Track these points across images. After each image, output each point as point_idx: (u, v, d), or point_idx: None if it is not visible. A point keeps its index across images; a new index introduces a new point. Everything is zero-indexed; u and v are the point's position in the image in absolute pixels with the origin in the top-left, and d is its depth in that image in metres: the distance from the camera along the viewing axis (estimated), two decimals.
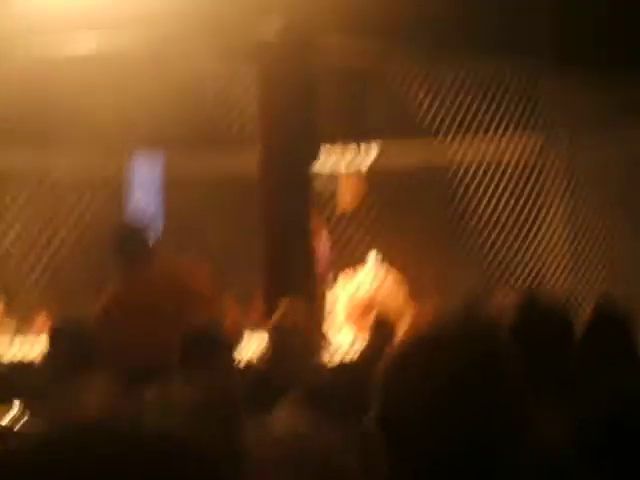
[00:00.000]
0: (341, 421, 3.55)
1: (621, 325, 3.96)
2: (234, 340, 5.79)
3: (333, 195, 9.82)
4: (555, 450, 2.47)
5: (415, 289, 9.59)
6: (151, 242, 5.65)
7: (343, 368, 6.28)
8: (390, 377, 1.62)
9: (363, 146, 10.26)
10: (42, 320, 10.12)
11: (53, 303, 10.27)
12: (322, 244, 9.17)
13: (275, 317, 6.09)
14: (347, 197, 9.60)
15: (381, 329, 6.50)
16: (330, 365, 6.82)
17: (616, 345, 3.76)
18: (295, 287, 7.62)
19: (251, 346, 7.95)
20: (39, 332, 9.74)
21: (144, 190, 9.84)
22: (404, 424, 1.57)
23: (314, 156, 7.91)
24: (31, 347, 8.16)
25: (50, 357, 5.40)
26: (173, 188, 9.89)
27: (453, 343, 1.62)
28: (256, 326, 9.39)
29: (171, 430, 1.15)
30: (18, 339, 8.95)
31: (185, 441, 1.14)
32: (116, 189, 9.93)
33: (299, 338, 5.72)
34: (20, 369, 7.64)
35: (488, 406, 1.55)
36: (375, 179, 9.80)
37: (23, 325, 10.13)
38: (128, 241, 5.77)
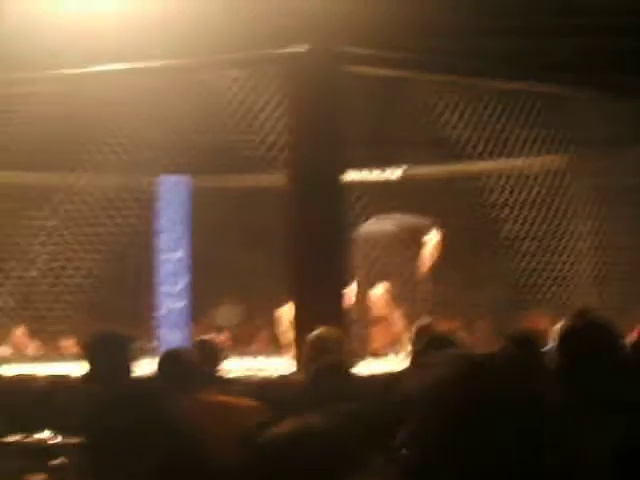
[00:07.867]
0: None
1: None
2: None
3: None
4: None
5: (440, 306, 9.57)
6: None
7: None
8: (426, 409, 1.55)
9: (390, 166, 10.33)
10: (68, 344, 10.14)
11: (80, 327, 10.26)
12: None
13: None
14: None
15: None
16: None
17: None
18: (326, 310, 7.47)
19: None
20: (65, 356, 9.72)
21: (172, 211, 9.89)
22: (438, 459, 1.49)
23: (342, 169, 7.94)
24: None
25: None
26: (201, 208, 9.93)
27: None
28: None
29: None
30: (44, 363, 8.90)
31: None
32: (144, 210, 9.99)
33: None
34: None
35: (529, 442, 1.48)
36: (401, 195, 9.82)
37: (49, 349, 10.16)
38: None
